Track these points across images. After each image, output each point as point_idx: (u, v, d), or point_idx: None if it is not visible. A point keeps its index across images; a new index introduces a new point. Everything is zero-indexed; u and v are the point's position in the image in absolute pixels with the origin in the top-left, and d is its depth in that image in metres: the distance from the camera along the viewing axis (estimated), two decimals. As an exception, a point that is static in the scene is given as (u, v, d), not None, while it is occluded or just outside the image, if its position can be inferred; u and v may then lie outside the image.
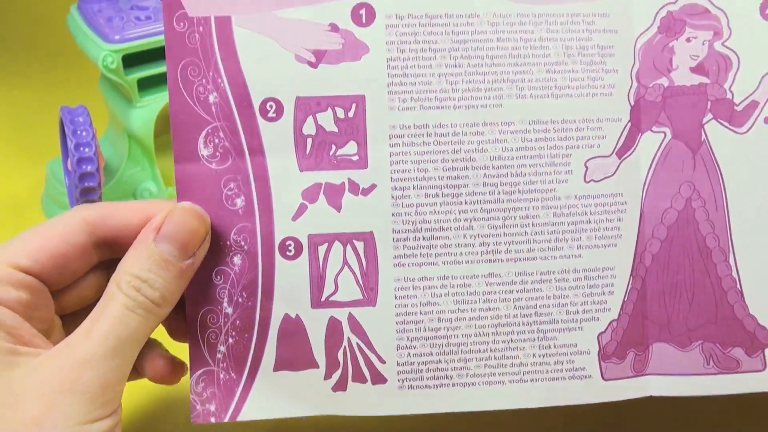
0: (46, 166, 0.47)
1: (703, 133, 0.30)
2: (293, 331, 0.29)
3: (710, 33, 0.30)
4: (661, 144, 0.30)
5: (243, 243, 0.29)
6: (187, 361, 0.29)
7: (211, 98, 0.28)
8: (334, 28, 0.28)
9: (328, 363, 0.30)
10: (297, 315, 0.29)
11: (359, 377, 0.30)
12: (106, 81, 0.44)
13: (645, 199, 0.30)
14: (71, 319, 0.29)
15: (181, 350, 0.30)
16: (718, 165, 0.30)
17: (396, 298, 0.29)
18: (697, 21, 0.30)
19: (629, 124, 0.30)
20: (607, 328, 0.30)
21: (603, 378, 0.31)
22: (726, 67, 0.30)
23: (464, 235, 0.29)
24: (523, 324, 0.30)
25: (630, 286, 0.30)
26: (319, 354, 0.29)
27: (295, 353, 0.29)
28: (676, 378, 0.31)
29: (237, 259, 0.29)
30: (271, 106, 0.28)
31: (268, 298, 0.29)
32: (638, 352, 0.31)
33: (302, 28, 0.28)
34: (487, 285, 0.30)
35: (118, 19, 0.48)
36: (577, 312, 0.30)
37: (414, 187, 0.29)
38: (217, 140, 0.28)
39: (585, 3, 0.30)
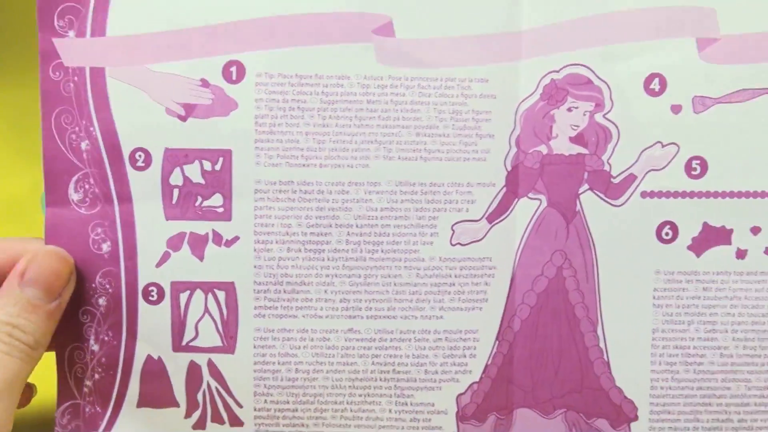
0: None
1: (578, 203, 0.31)
2: (155, 371, 0.31)
3: (592, 104, 0.30)
4: (536, 211, 0.31)
5: (108, 286, 0.30)
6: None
7: (83, 145, 0.30)
8: (204, 83, 0.29)
9: (188, 403, 0.31)
10: (159, 356, 0.31)
11: (217, 418, 0.31)
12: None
13: (517, 265, 0.31)
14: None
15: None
16: (591, 236, 0.31)
17: (255, 347, 0.31)
18: (579, 91, 0.30)
19: (504, 189, 0.31)
20: (467, 390, 0.31)
21: None
22: (605, 139, 0.31)
23: (325, 291, 0.30)
24: (381, 380, 0.31)
25: (495, 350, 0.31)
26: (180, 394, 0.31)
27: (157, 392, 0.31)
28: None
29: (102, 301, 0.30)
30: (140, 156, 0.30)
31: (132, 338, 0.30)
32: (500, 416, 0.31)
33: (174, 82, 0.30)
34: (346, 340, 0.31)
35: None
36: (436, 372, 0.31)
37: (277, 241, 0.30)
38: (87, 186, 0.30)
39: (463, 68, 0.30)
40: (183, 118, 0.33)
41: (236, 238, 0.33)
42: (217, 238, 0.33)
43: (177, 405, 0.34)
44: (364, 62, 0.33)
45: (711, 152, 0.34)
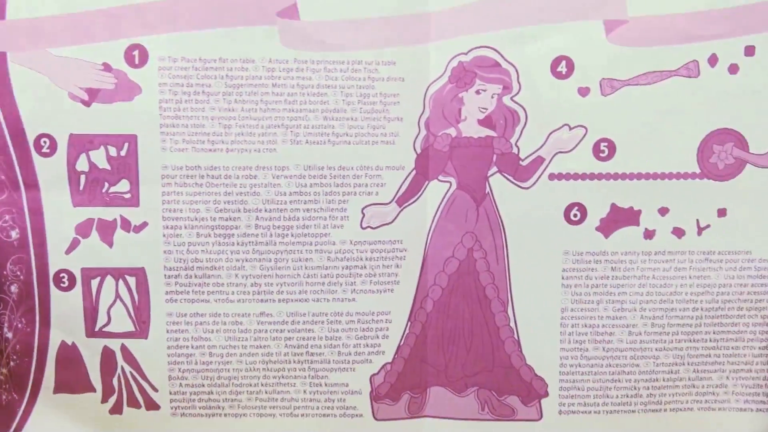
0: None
1: (487, 185, 0.31)
2: (70, 357, 0.31)
3: (500, 87, 0.31)
4: (446, 193, 0.31)
5: (18, 273, 0.30)
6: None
7: (-14, 132, 0.30)
8: (107, 67, 0.29)
9: (104, 388, 0.32)
10: (73, 342, 0.31)
11: (134, 403, 0.32)
12: None
13: (429, 247, 0.31)
14: None
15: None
16: (500, 218, 0.31)
17: (168, 332, 0.31)
18: (487, 74, 0.30)
19: (414, 172, 0.31)
20: (380, 370, 0.32)
21: (375, 418, 0.32)
22: (513, 122, 0.31)
23: (236, 275, 0.31)
24: (294, 362, 0.31)
25: (408, 330, 0.32)
26: (96, 379, 0.32)
27: (72, 378, 0.32)
28: (452, 422, 0.33)
29: (14, 288, 0.30)
30: (45, 142, 0.30)
31: (45, 325, 0.31)
32: (414, 395, 0.32)
33: (76, 66, 0.29)
34: (258, 323, 0.31)
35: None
36: (350, 353, 0.31)
37: (186, 227, 0.30)
38: None
39: (370, 50, 0.29)
40: (87, 103, 0.32)
41: (145, 224, 0.33)
42: (126, 224, 0.33)
43: (93, 390, 0.34)
44: (269, 45, 0.32)
45: (619, 134, 0.34)
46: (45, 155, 0.33)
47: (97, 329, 0.34)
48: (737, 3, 0.33)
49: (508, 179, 0.34)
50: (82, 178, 0.33)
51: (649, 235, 0.34)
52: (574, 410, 0.35)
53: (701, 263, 0.35)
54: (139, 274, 0.33)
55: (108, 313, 0.34)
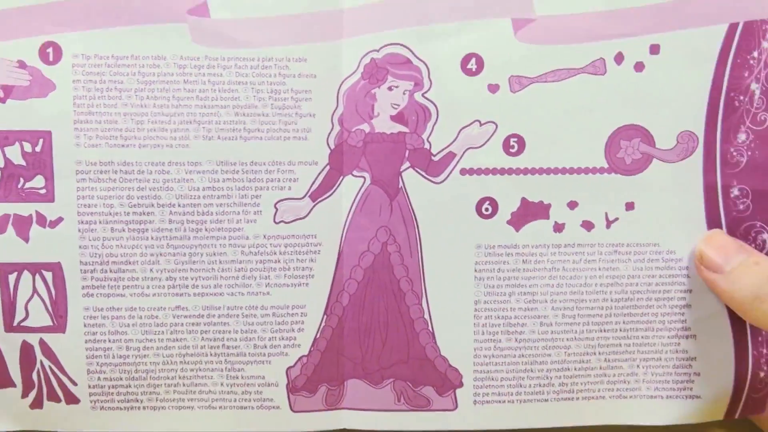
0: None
1: (400, 180, 0.32)
2: None
3: (411, 83, 0.31)
4: (360, 188, 0.32)
5: None
6: None
7: None
8: (22, 64, 0.30)
9: (24, 383, 0.32)
10: None
11: (53, 397, 0.32)
12: None
13: (344, 241, 0.32)
14: None
15: None
16: (413, 212, 0.32)
17: (85, 326, 0.31)
18: (398, 70, 0.31)
19: (328, 167, 0.31)
20: (296, 363, 0.32)
21: (292, 409, 0.33)
22: (425, 118, 0.31)
23: (151, 269, 0.31)
24: (211, 355, 0.32)
25: (324, 323, 0.32)
26: (15, 374, 0.32)
27: None
28: (369, 413, 0.34)
29: None
30: None
31: None
32: (332, 387, 0.33)
33: None
34: (174, 317, 0.31)
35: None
36: (265, 346, 0.32)
37: (100, 222, 0.31)
38: None
39: (281, 47, 0.30)
40: (2, 100, 0.33)
41: (60, 219, 0.33)
42: (41, 220, 0.33)
43: (13, 385, 0.35)
44: (180, 43, 0.33)
45: (528, 130, 0.34)
46: None
47: (15, 324, 0.34)
48: (643, 3, 0.34)
49: (420, 174, 0.35)
50: (-3, 173, 0.33)
51: (558, 228, 0.35)
52: (488, 400, 0.36)
53: (610, 255, 0.35)
54: (56, 268, 0.34)
55: (26, 307, 0.34)
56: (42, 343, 0.34)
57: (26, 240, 0.34)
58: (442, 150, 0.34)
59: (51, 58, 0.33)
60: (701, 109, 0.35)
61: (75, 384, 0.35)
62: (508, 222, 0.35)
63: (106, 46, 0.33)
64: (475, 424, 0.36)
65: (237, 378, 0.35)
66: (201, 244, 0.34)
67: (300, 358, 0.35)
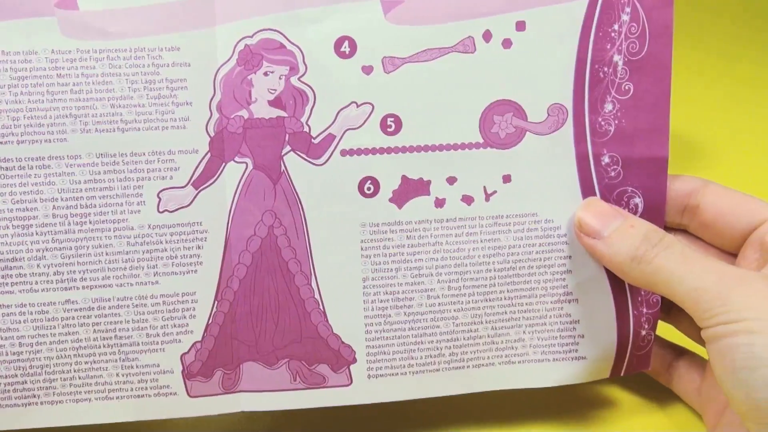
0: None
1: (282, 164, 0.32)
2: None
3: (286, 68, 0.32)
4: (243, 174, 0.33)
5: None
6: None
7: None
8: None
9: None
10: None
11: None
12: None
13: (230, 227, 0.32)
14: None
15: None
16: (297, 195, 0.33)
17: None
18: (273, 56, 0.32)
19: (209, 154, 0.32)
20: (190, 349, 0.33)
21: (189, 395, 0.33)
22: (303, 102, 0.32)
23: (38, 265, 0.31)
24: (104, 346, 0.32)
25: (215, 309, 0.33)
26: None
27: None
28: (266, 394, 0.34)
29: None
30: None
31: None
32: (227, 371, 0.33)
33: None
34: (65, 311, 0.32)
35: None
36: (158, 335, 0.32)
37: None
38: None
39: (152, 37, 0.30)
40: None
41: None
42: None
43: None
44: (50, 37, 0.33)
45: (404, 109, 0.35)
46: None
47: None
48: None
49: (301, 157, 0.35)
50: None
51: (439, 203, 0.36)
52: (382, 374, 0.37)
53: (491, 227, 0.37)
54: (-62, 269, 0.34)
55: None
56: (-67, 343, 0.34)
57: None
58: (322, 132, 0.35)
59: None
60: (568, 81, 0.36)
61: None
62: (390, 200, 0.36)
63: None
64: (370, 397, 0.37)
65: (132, 367, 0.36)
66: (86, 237, 0.34)
67: (194, 344, 0.36)
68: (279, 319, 0.36)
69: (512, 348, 0.38)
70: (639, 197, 0.37)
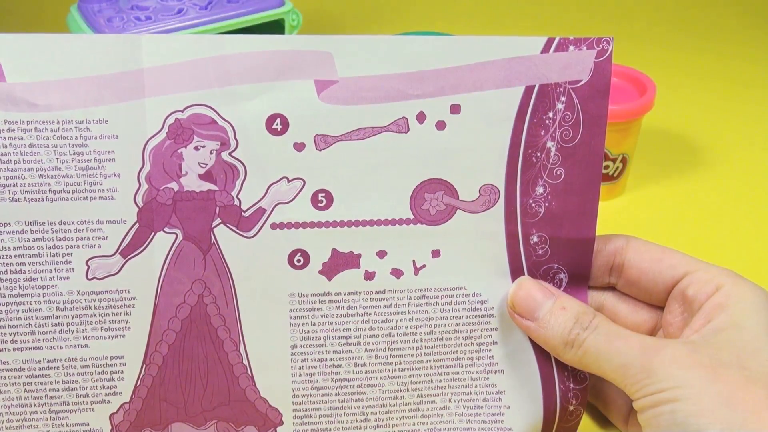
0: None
1: (212, 235, 0.33)
2: None
3: (217, 143, 0.32)
4: (173, 244, 0.33)
5: None
6: None
7: None
8: None
9: None
10: None
11: None
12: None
13: (160, 294, 0.33)
14: None
15: None
16: (227, 265, 0.33)
17: None
18: (204, 131, 0.32)
19: (137, 224, 0.32)
20: (119, 410, 0.34)
21: None
22: (234, 176, 0.32)
23: None
24: (35, 405, 0.33)
25: (144, 372, 0.33)
26: None
27: None
28: None
29: None
30: None
31: None
32: (155, 431, 0.34)
33: None
34: None
35: (118, 19, 0.48)
36: (87, 395, 0.33)
37: None
38: None
39: (80, 110, 0.30)
40: None
41: None
42: None
43: None
44: None
45: (336, 185, 0.36)
46: None
47: None
48: (442, 65, 0.35)
49: (231, 230, 0.36)
50: None
51: (369, 276, 0.37)
52: None
53: (419, 300, 0.37)
54: None
55: None
56: None
57: None
58: (252, 206, 0.35)
59: None
60: (501, 164, 0.36)
61: None
62: (320, 272, 0.36)
63: None
64: (296, 458, 0.38)
65: (62, 426, 0.36)
66: (16, 301, 0.34)
67: (122, 405, 0.37)
68: (208, 383, 0.37)
69: (438, 416, 0.39)
70: (564, 273, 0.37)
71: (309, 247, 0.36)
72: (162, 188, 0.34)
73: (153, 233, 0.35)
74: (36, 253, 0.34)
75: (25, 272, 0.34)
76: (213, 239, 0.35)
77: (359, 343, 0.37)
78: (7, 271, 0.34)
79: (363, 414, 0.38)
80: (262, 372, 0.37)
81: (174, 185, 0.35)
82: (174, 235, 0.35)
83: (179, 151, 0.34)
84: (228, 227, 0.35)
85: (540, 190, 0.36)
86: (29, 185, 0.33)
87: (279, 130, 0.34)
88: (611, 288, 0.39)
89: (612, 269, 0.38)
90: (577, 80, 0.35)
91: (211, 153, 0.34)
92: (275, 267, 0.36)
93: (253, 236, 0.35)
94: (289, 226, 0.35)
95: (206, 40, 0.34)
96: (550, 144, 0.36)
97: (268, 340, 0.37)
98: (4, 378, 0.35)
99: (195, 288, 0.36)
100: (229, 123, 0.34)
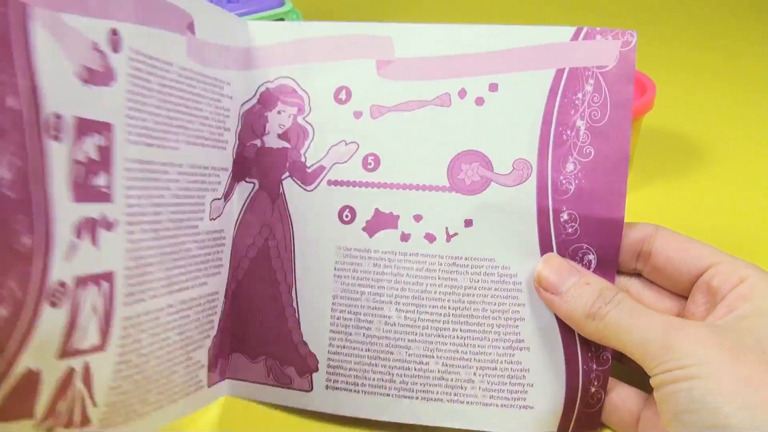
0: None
1: (281, 187, 0.40)
2: None
3: (296, 108, 0.40)
4: (251, 192, 0.40)
5: None
6: None
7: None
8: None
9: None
10: None
11: None
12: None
13: (236, 236, 0.40)
14: None
15: None
16: (289, 214, 0.40)
17: None
18: (286, 98, 0.40)
19: (231, 173, 0.40)
20: (213, 343, 0.40)
21: (208, 386, 0.40)
22: (304, 137, 0.40)
23: None
24: (177, 348, 0.40)
25: (225, 306, 0.40)
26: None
27: None
28: (245, 384, 0.40)
29: None
30: None
31: None
32: (224, 360, 0.40)
33: None
34: None
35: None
36: (203, 331, 0.40)
37: None
38: None
39: (221, 70, 0.40)
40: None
41: None
42: None
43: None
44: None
45: (384, 150, 0.41)
46: None
47: None
48: (484, 49, 0.40)
49: (296, 183, 0.42)
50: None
51: (405, 237, 0.40)
52: (338, 386, 0.41)
53: (449, 266, 0.40)
54: None
55: None
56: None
57: None
58: (315, 163, 0.42)
59: None
60: (534, 140, 0.39)
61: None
62: (363, 228, 0.41)
63: None
64: (325, 407, 0.41)
65: (189, 365, 0.43)
66: (171, 242, 0.43)
67: (213, 338, 0.42)
68: (263, 320, 0.42)
69: (462, 387, 0.39)
70: (593, 254, 0.38)
71: (356, 205, 0.41)
72: (248, 144, 0.42)
73: (237, 183, 0.42)
74: (184, 194, 0.43)
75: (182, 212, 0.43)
76: (281, 189, 0.42)
77: (391, 302, 0.40)
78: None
79: (389, 374, 0.40)
80: (307, 317, 0.41)
81: (258, 142, 0.42)
82: (252, 185, 0.42)
83: (265, 114, 0.42)
84: (294, 180, 0.42)
85: (570, 167, 0.38)
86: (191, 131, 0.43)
87: (343, 99, 0.41)
88: (637, 275, 0.39)
89: (639, 255, 0.38)
90: (604, 65, 0.38)
91: (289, 117, 0.42)
92: (327, 219, 0.41)
93: (312, 189, 0.41)
94: (342, 183, 0.41)
95: (291, 26, 0.42)
96: (579, 123, 0.38)
97: (315, 288, 0.41)
98: (169, 322, 0.40)
99: (263, 231, 0.42)
100: (306, 92, 0.42)
